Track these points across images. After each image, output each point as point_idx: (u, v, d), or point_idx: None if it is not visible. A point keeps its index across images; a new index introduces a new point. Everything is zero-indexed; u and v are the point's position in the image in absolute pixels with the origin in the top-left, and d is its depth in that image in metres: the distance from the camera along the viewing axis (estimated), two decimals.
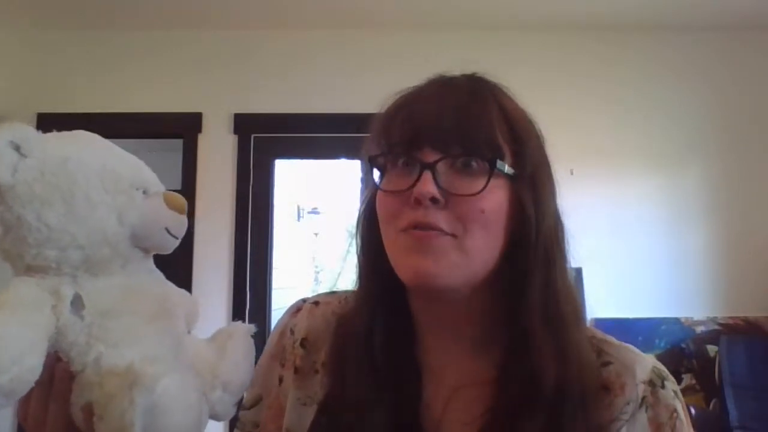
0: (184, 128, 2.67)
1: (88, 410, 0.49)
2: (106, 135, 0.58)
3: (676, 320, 2.56)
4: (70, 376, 0.50)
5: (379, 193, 0.59)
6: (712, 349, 2.52)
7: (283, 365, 0.67)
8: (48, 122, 2.63)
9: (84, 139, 0.56)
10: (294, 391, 0.65)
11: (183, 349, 0.56)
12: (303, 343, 0.67)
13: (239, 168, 2.67)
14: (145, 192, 0.56)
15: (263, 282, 2.64)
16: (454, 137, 0.55)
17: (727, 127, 2.71)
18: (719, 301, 2.60)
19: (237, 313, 2.54)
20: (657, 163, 2.69)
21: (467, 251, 0.54)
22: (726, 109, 2.72)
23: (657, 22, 2.67)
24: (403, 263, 0.56)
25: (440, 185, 0.53)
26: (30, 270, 0.51)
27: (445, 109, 0.56)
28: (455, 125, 0.55)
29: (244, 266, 2.59)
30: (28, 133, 0.51)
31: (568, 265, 0.60)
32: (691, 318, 2.57)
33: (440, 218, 0.54)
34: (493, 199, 0.55)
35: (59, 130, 0.54)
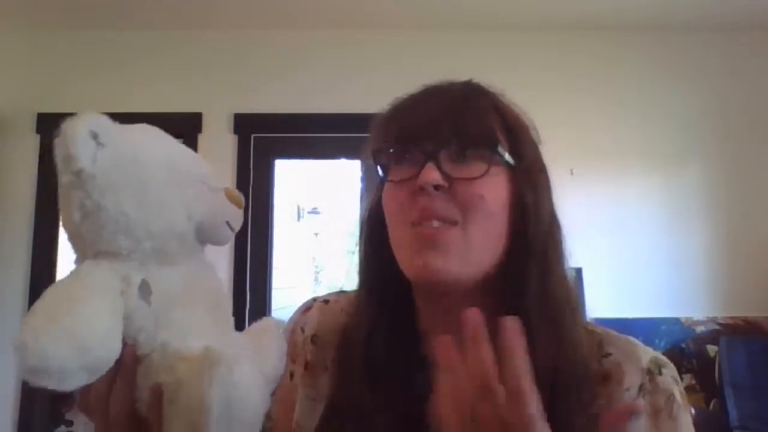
0: (184, 128, 2.66)
1: (157, 392, 0.49)
2: None
3: (676, 320, 2.56)
4: (136, 360, 0.51)
5: (386, 187, 0.61)
6: (712, 349, 2.52)
7: (294, 361, 0.70)
8: (48, 122, 2.63)
9: (151, 131, 0.57)
10: (304, 387, 0.67)
11: (231, 339, 0.57)
12: (313, 339, 0.70)
13: (239, 168, 2.67)
14: (208, 186, 0.58)
15: (263, 282, 2.63)
16: (451, 131, 0.57)
17: (727, 127, 2.71)
18: (719, 301, 2.60)
19: (237, 313, 2.53)
20: (657, 163, 2.69)
21: (471, 241, 0.56)
22: (726, 109, 2.72)
23: (657, 22, 2.67)
24: (412, 260, 0.57)
25: (442, 171, 0.56)
26: (99, 255, 0.52)
27: (442, 107, 0.59)
28: (452, 120, 0.58)
29: (244, 266, 2.59)
30: (105, 123, 0.52)
31: (563, 261, 0.62)
32: (691, 318, 2.57)
33: (444, 205, 0.56)
34: (493, 187, 0.57)
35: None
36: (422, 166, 0.56)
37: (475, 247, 0.56)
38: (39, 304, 0.47)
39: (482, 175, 0.56)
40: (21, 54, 2.72)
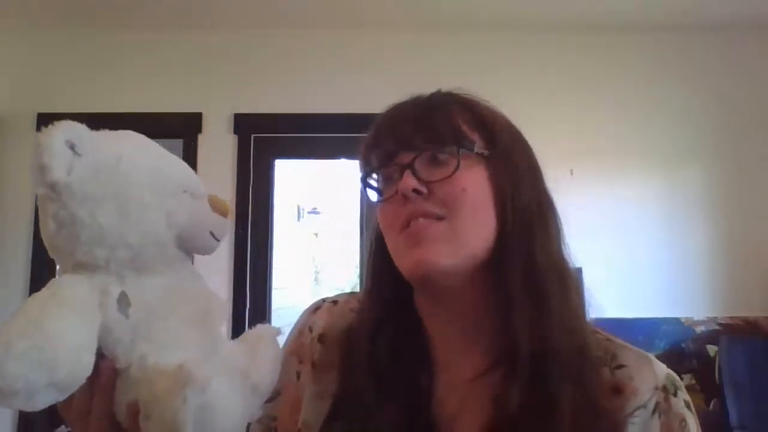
0: (184, 128, 2.67)
1: (134, 408, 0.49)
2: None
3: (676, 320, 2.56)
4: (115, 373, 0.51)
5: (379, 208, 0.64)
6: (712, 349, 2.52)
7: (301, 361, 0.70)
8: (48, 122, 2.62)
9: (132, 139, 0.57)
10: (311, 386, 0.68)
11: (220, 350, 0.57)
12: (321, 338, 0.71)
13: (239, 168, 2.67)
14: (191, 194, 0.57)
15: (263, 282, 2.63)
16: (420, 136, 0.60)
17: (727, 127, 2.70)
18: (719, 301, 2.60)
19: (237, 314, 2.54)
20: (657, 163, 2.69)
21: (458, 233, 0.58)
22: (726, 109, 2.72)
23: (657, 22, 2.67)
24: (404, 260, 0.60)
25: (419, 177, 0.59)
26: (78, 267, 0.52)
27: (408, 116, 0.63)
28: (419, 125, 0.61)
29: (244, 266, 2.60)
30: (81, 131, 0.51)
31: (553, 242, 0.63)
32: (691, 318, 2.57)
33: (428, 205, 0.59)
34: (472, 179, 0.59)
35: None
36: (401, 178, 0.59)
37: (462, 235, 0.58)
38: (10, 320, 0.46)
39: (454, 172, 0.58)
40: (21, 54, 2.71)
